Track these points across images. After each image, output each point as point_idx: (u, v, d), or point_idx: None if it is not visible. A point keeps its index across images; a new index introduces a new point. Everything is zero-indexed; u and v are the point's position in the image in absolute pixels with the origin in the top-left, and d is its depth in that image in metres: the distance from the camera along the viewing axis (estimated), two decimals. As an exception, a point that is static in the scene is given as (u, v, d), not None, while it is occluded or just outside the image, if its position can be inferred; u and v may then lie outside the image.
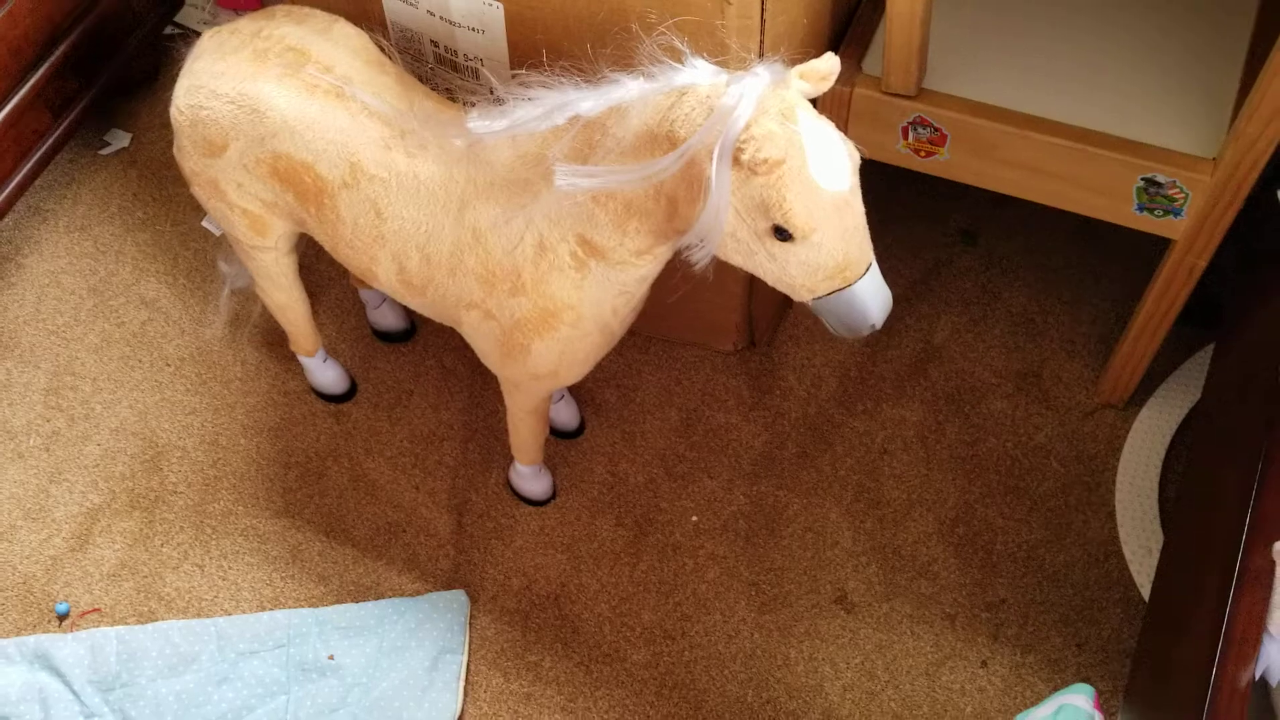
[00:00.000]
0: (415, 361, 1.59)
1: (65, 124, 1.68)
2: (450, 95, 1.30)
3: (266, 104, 1.13)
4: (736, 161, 0.88)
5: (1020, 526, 1.43)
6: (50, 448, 1.55)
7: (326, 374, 1.54)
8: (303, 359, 1.53)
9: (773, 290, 0.98)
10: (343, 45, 1.17)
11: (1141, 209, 1.19)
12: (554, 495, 1.48)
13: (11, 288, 1.69)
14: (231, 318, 1.63)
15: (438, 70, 1.30)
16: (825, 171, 0.88)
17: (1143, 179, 1.15)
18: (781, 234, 0.90)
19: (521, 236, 1.08)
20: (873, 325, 0.97)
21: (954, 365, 1.55)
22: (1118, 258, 1.60)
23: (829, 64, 0.91)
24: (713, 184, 0.89)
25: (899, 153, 1.28)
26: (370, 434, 1.54)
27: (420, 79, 1.33)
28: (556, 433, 1.52)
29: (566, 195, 1.00)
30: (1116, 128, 1.17)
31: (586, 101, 0.96)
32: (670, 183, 0.94)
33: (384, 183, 1.13)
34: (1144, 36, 1.27)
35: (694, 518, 1.46)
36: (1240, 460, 1.10)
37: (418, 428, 1.54)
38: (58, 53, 1.63)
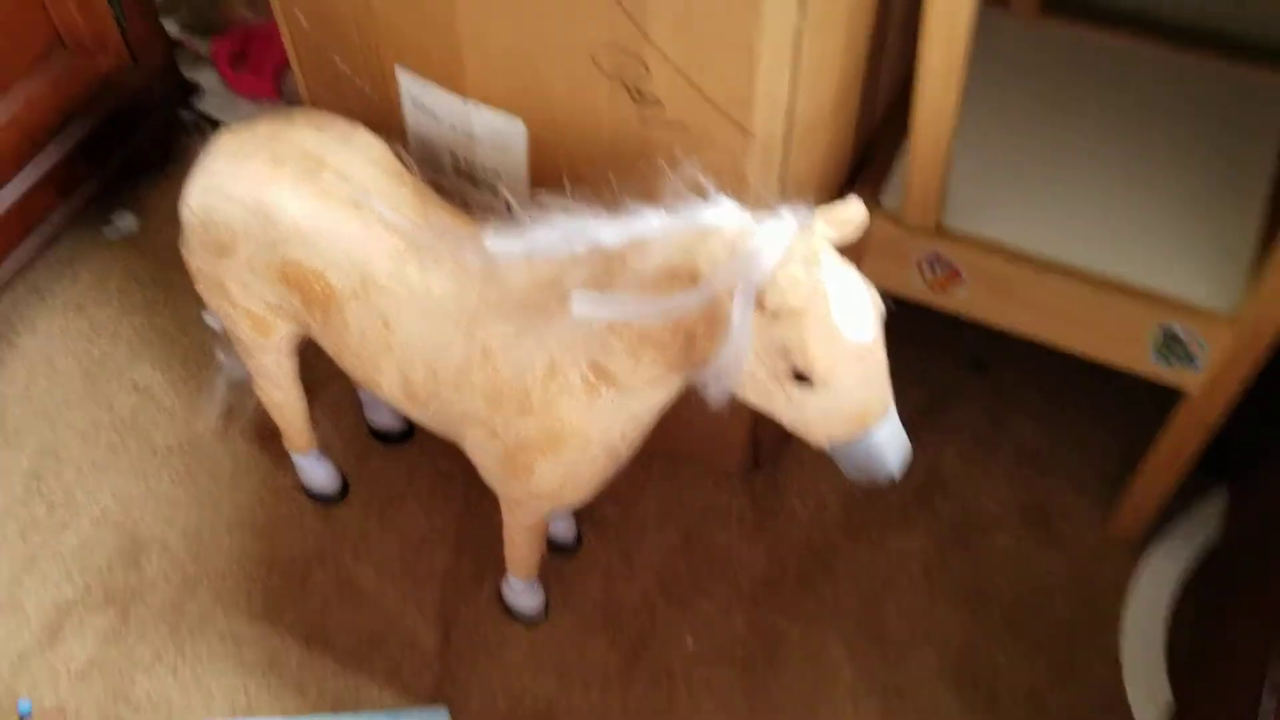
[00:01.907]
0: (411, 463, 1.56)
1: (71, 206, 1.67)
2: (466, 207, 1.29)
3: (280, 210, 1.12)
4: (760, 306, 0.86)
5: (1024, 668, 1.39)
6: (27, 535, 1.50)
7: (318, 473, 1.51)
8: (295, 456, 1.49)
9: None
10: (362, 154, 1.16)
11: (1158, 358, 1.17)
12: (547, 612, 1.43)
13: (2, 366, 1.65)
14: (225, 409, 1.60)
15: (456, 182, 1.29)
16: (849, 320, 0.86)
17: (1160, 329, 1.14)
18: (801, 379, 0.88)
19: (532, 358, 1.05)
20: (890, 475, 0.95)
21: (960, 497, 1.52)
22: (1131, 393, 1.59)
23: (855, 210, 0.90)
24: (734, 326, 0.87)
25: (916, 287, 1.27)
26: (359, 537, 1.50)
27: (437, 189, 1.32)
28: (552, 547, 1.48)
29: (582, 322, 0.98)
30: (1136, 275, 1.16)
31: (608, 232, 0.95)
32: (689, 319, 0.92)
33: (395, 295, 1.11)
34: (1165, 181, 1.27)
35: (690, 641, 1.41)
36: (1259, 621, 1.07)
37: (409, 533, 1.50)
38: (71, 137, 1.62)
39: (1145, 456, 1.32)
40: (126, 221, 1.80)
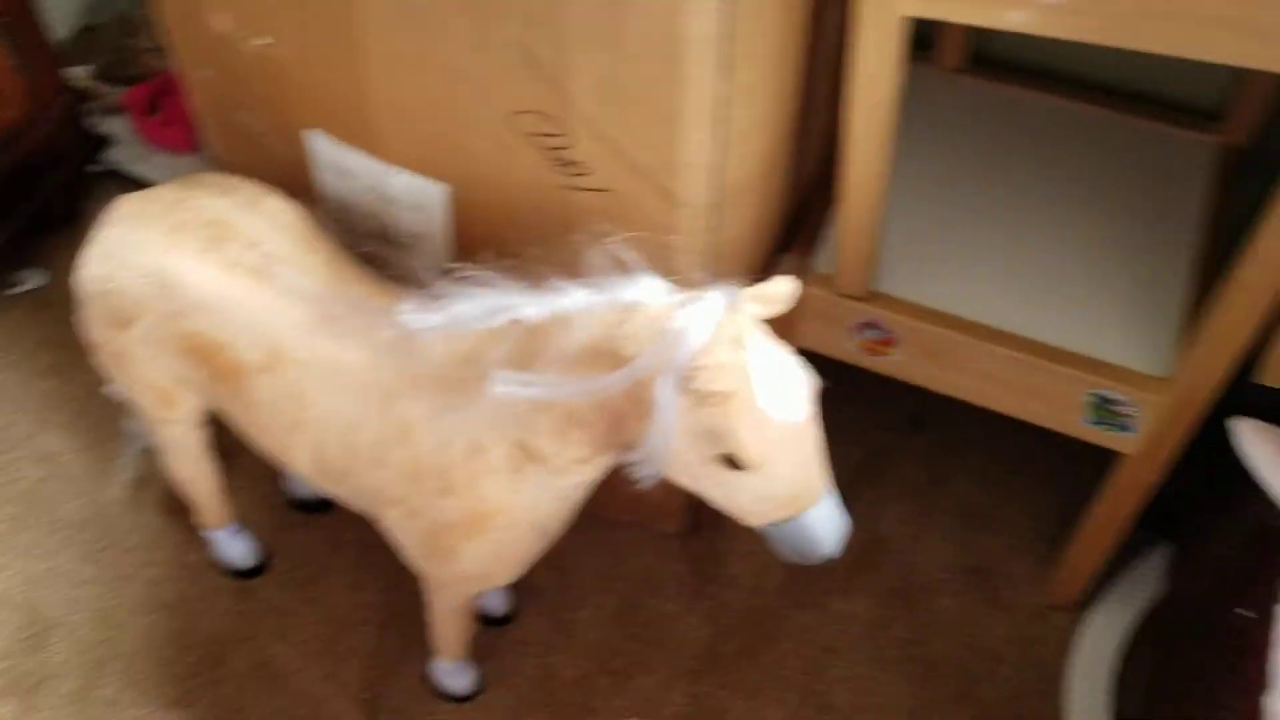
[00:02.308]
0: (333, 535, 1.49)
1: (-28, 267, 1.59)
2: (386, 272, 1.24)
3: (181, 280, 1.06)
4: (685, 390, 0.82)
5: (969, 736, 1.35)
6: (-78, 620, 1.41)
7: (235, 548, 1.44)
8: (208, 533, 1.42)
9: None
10: (271, 220, 1.10)
11: (1092, 422, 1.15)
12: (479, 690, 1.37)
13: (-103, 435, 1.56)
14: (135, 478, 1.52)
15: (374, 246, 1.24)
16: (778, 401, 0.83)
17: (1093, 394, 1.12)
18: (731, 464, 0.84)
19: (453, 436, 1.00)
20: (826, 555, 0.91)
21: (902, 558, 1.49)
22: (1071, 452, 1.56)
23: (783, 287, 0.86)
24: (660, 410, 0.83)
25: (849, 350, 1.24)
26: (279, 615, 1.43)
27: (355, 254, 1.27)
28: (486, 620, 1.42)
29: (504, 401, 0.93)
30: (1067, 339, 1.14)
31: (529, 307, 0.90)
32: (615, 400, 0.88)
33: (307, 368, 1.05)
34: (1095, 242, 1.25)
35: (628, 720, 1.36)
36: (1204, 680, 1.05)
37: (332, 609, 1.43)
38: (-30, 192, 1.54)
39: (1083, 518, 1.30)
40: (35, 279, 1.72)
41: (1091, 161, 1.34)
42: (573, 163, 1.03)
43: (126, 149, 1.82)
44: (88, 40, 1.91)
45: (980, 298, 1.19)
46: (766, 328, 0.86)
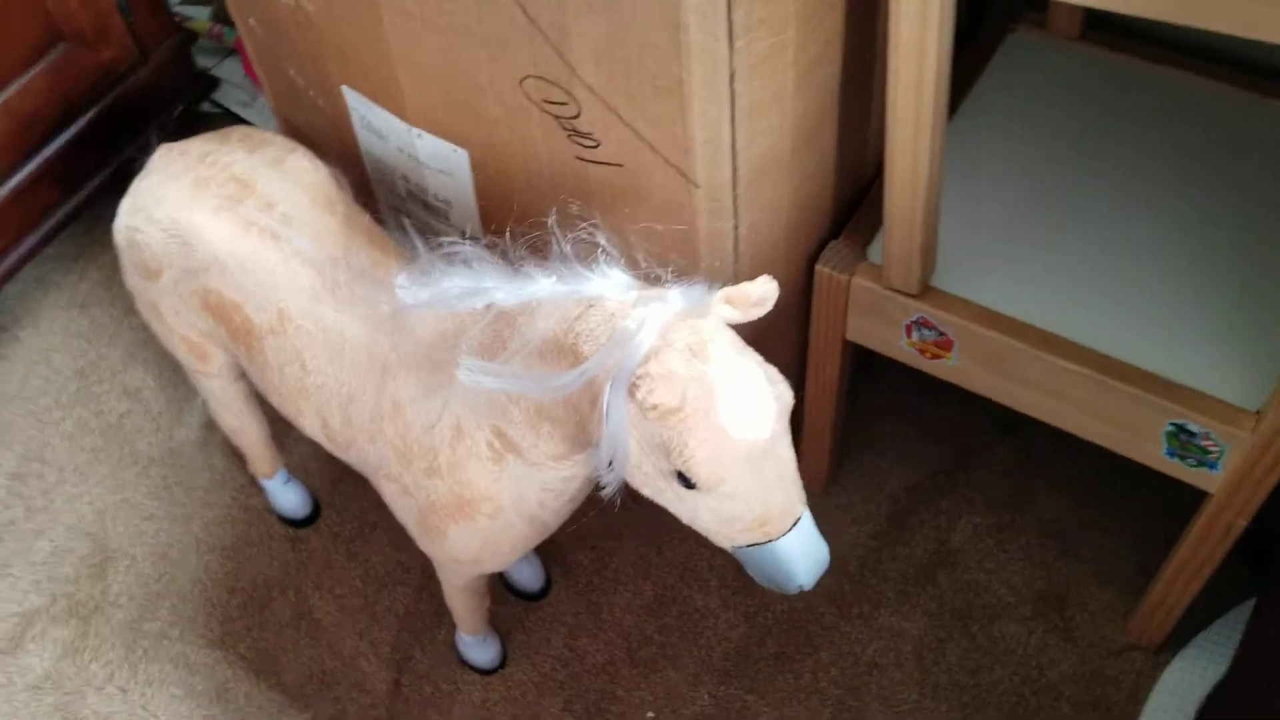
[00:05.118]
0: (383, 493, 1.48)
1: (75, 201, 1.64)
2: (423, 232, 1.20)
3: (198, 237, 1.05)
4: (632, 397, 0.74)
5: (1019, 776, 1.24)
6: (2, 538, 1.49)
7: (288, 497, 1.45)
8: (262, 481, 1.44)
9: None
10: (291, 179, 1.08)
11: (1171, 454, 1.00)
12: (503, 663, 1.35)
13: (2, 360, 1.65)
14: (207, 421, 1.55)
15: (409, 206, 1.20)
16: (737, 418, 0.74)
17: (1172, 424, 0.97)
18: (684, 481, 0.76)
19: (440, 416, 0.96)
20: (800, 586, 0.82)
21: (968, 575, 1.36)
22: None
23: (762, 289, 0.77)
24: (608, 418, 0.76)
25: (902, 350, 1.12)
26: (324, 567, 1.44)
27: (396, 210, 1.24)
28: (517, 593, 1.39)
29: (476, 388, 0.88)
30: (1149, 359, 1.00)
31: (501, 292, 0.85)
32: (575, 398, 0.81)
33: (310, 335, 1.03)
34: (1198, 252, 1.09)
35: (650, 715, 1.31)
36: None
37: (374, 567, 1.43)
38: (73, 130, 1.59)
39: (1168, 559, 1.15)
40: (143, 217, 1.77)
41: (1215, 153, 1.16)
42: (583, 134, 0.96)
43: (236, 92, 1.85)
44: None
45: (1054, 303, 1.05)
46: (732, 334, 0.77)
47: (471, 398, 0.92)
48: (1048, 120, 1.20)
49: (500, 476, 0.95)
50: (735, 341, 0.77)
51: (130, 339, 1.65)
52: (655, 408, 0.72)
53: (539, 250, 0.86)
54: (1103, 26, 1.27)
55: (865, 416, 1.48)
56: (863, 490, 1.44)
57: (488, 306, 0.87)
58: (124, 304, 1.69)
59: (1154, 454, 1.02)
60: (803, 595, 1.35)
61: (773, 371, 0.77)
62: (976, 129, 1.20)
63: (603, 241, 0.81)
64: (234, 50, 1.89)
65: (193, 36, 1.77)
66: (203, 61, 1.87)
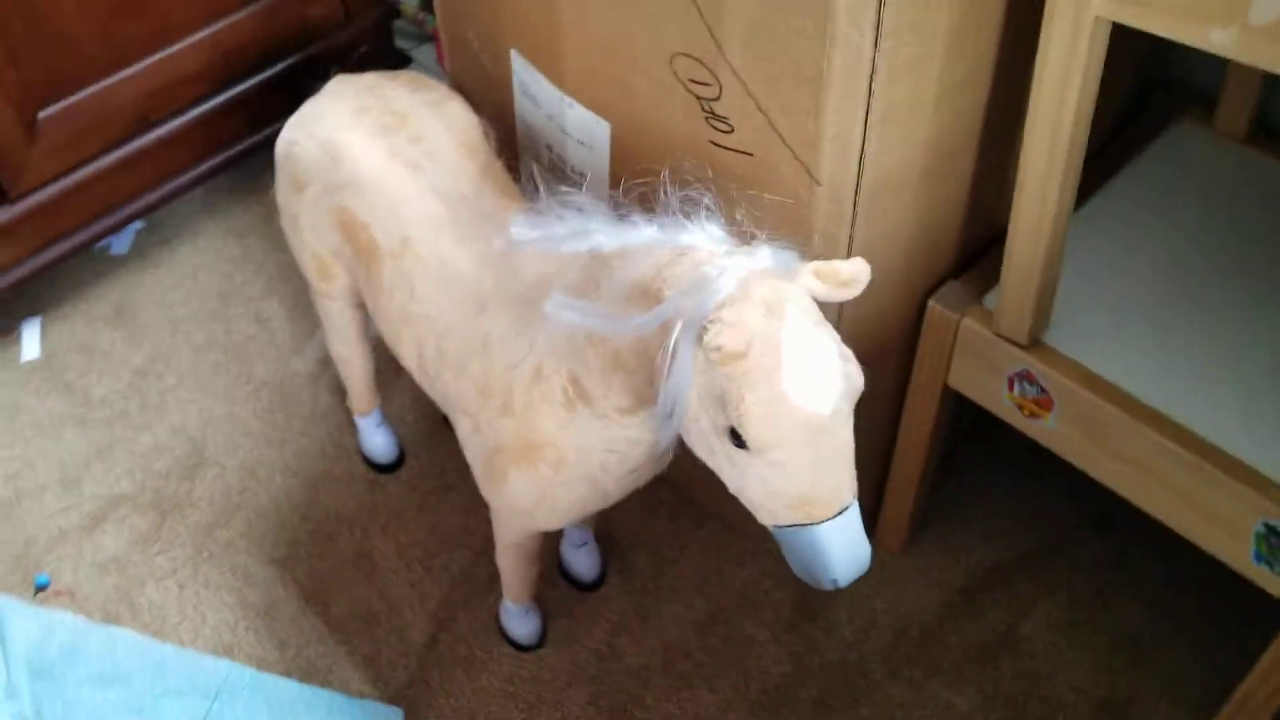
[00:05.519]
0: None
1: (256, 139, 1.74)
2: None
3: (348, 155, 1.11)
4: (700, 342, 0.75)
5: None
6: (113, 424, 1.57)
7: (377, 440, 1.50)
8: (357, 418, 1.49)
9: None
10: (444, 121, 1.14)
11: (1259, 559, 0.95)
12: (541, 642, 1.34)
13: (156, 268, 1.76)
14: (323, 358, 1.62)
15: (547, 177, 1.24)
16: (800, 384, 0.74)
17: (1263, 523, 0.92)
18: (737, 439, 0.76)
19: (524, 357, 0.99)
20: (834, 581, 0.80)
21: (1032, 664, 1.30)
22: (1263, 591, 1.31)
23: (853, 269, 0.77)
24: (675, 360, 0.76)
25: (1002, 404, 1.10)
26: (394, 515, 1.47)
27: (534, 180, 1.28)
28: (571, 580, 1.39)
29: (563, 328, 0.90)
30: (1246, 452, 0.95)
31: (602, 235, 0.87)
32: (650, 344, 0.82)
33: (425, 264, 1.07)
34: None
35: (673, 728, 1.28)
36: None
37: (441, 524, 1.46)
38: (269, 73, 1.70)
39: (1236, 688, 1.08)
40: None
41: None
42: (720, 117, 0.98)
43: (425, 74, 1.95)
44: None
45: (1161, 379, 1.01)
46: (813, 304, 0.77)
47: (555, 342, 0.94)
48: (1193, 208, 1.17)
49: (568, 424, 0.97)
50: (814, 311, 0.76)
51: (274, 273, 1.74)
52: (719, 349, 0.73)
53: (650, 207, 0.88)
54: (1271, 134, 1.24)
55: (961, 487, 1.44)
56: (942, 557, 1.39)
57: (590, 250, 0.89)
58: (275, 240, 1.79)
59: (1242, 556, 0.96)
60: (855, 647, 1.32)
61: (847, 351, 0.77)
62: (1121, 203, 1.17)
63: (708, 201, 0.83)
64: (432, 37, 1.99)
65: (396, 14, 1.88)
66: (401, 43, 1.98)
